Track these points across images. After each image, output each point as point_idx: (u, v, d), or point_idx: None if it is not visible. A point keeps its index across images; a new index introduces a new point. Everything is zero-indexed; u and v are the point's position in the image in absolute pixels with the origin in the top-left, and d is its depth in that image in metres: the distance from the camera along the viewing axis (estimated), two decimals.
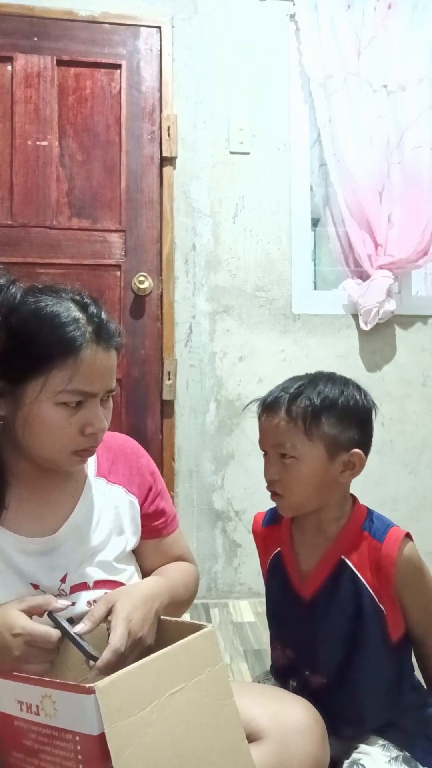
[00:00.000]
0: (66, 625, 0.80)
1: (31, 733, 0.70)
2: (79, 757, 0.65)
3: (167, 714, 0.69)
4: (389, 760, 0.94)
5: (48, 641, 0.76)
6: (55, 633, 0.77)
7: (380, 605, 0.98)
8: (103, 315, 0.90)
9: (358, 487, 1.07)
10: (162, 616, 0.88)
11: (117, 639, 0.78)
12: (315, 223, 2.62)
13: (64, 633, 0.78)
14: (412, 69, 2.38)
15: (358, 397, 1.02)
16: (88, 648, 0.79)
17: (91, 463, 1.02)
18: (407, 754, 0.96)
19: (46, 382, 0.85)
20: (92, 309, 0.89)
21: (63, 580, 0.93)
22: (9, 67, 2.26)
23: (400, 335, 2.44)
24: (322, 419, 0.97)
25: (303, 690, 1.03)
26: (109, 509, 1.00)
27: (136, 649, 0.81)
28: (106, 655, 0.77)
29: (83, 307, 0.88)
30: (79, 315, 0.87)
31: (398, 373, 2.43)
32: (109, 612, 0.83)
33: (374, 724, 0.99)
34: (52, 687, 0.68)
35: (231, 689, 0.76)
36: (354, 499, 1.07)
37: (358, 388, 1.03)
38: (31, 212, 2.25)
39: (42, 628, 0.77)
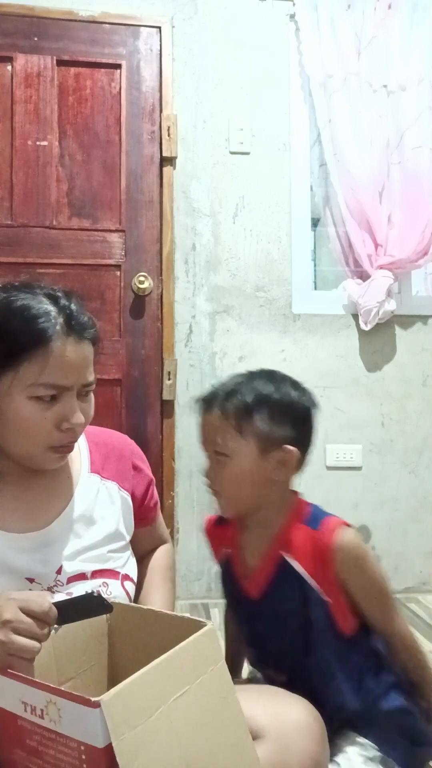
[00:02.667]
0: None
1: (35, 735, 0.69)
2: (84, 766, 0.64)
3: (173, 719, 0.68)
4: (365, 760, 0.94)
5: (40, 605, 0.73)
6: (48, 601, 0.74)
7: (324, 597, 0.96)
8: (74, 306, 0.89)
9: (358, 487, 1.07)
10: (162, 610, 0.87)
11: None
12: (315, 223, 2.62)
13: (63, 606, 0.75)
14: (412, 69, 2.38)
15: (293, 394, 1.00)
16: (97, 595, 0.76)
17: (85, 460, 1.03)
18: (384, 755, 0.95)
19: (17, 375, 0.85)
20: (63, 302, 0.89)
21: (59, 572, 0.93)
22: (9, 67, 2.26)
23: (400, 335, 2.44)
24: (254, 416, 0.97)
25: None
26: (103, 505, 1.01)
27: None
28: None
29: (54, 300, 0.88)
30: (50, 308, 0.87)
31: (398, 373, 2.43)
32: None
33: (338, 717, 0.97)
34: (57, 694, 0.66)
35: (233, 685, 0.76)
36: (297, 497, 1.05)
37: (296, 385, 1.02)
38: (31, 212, 2.25)
39: (36, 593, 0.76)
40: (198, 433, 1.03)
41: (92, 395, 0.94)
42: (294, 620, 0.98)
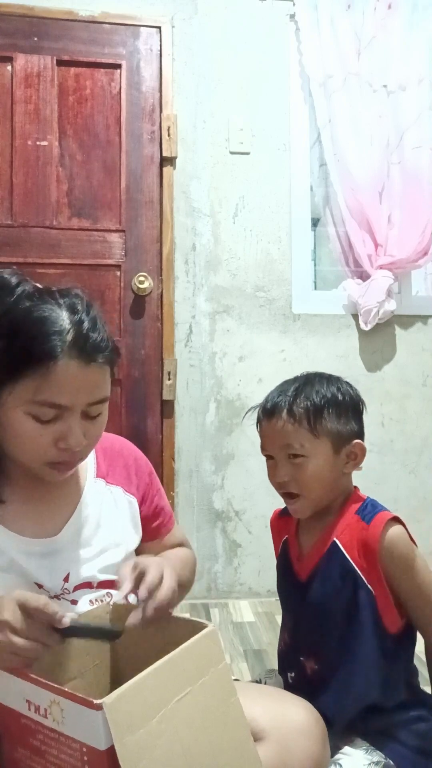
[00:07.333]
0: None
1: (38, 734, 0.69)
2: (86, 767, 0.65)
3: (176, 723, 0.68)
4: (369, 764, 0.94)
5: (37, 600, 0.71)
6: (45, 598, 0.73)
7: (369, 586, 0.99)
8: (89, 325, 0.84)
9: (358, 487, 1.09)
10: None
11: (169, 577, 0.82)
12: (315, 223, 2.62)
13: (73, 626, 0.75)
14: (412, 69, 2.39)
15: (351, 391, 1.08)
16: (104, 625, 0.77)
17: (90, 465, 1.03)
18: (390, 762, 0.95)
19: (14, 390, 0.82)
20: (82, 318, 0.84)
21: (66, 580, 0.93)
22: (9, 67, 2.26)
23: (400, 335, 2.44)
24: (324, 416, 1.02)
25: (300, 681, 1.04)
26: (109, 510, 1.01)
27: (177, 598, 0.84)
28: (163, 593, 0.79)
29: (73, 318, 0.83)
30: (64, 326, 0.82)
31: (398, 373, 2.43)
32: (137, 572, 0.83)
33: (357, 711, 0.98)
34: (60, 694, 0.66)
35: (234, 686, 0.76)
36: (355, 488, 1.10)
37: (348, 383, 1.10)
38: (31, 212, 2.25)
39: (37, 596, 0.74)
40: (263, 442, 1.07)
41: (104, 415, 0.90)
42: (336, 605, 1.01)
